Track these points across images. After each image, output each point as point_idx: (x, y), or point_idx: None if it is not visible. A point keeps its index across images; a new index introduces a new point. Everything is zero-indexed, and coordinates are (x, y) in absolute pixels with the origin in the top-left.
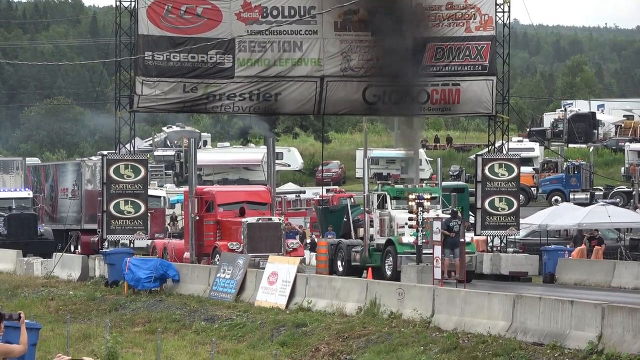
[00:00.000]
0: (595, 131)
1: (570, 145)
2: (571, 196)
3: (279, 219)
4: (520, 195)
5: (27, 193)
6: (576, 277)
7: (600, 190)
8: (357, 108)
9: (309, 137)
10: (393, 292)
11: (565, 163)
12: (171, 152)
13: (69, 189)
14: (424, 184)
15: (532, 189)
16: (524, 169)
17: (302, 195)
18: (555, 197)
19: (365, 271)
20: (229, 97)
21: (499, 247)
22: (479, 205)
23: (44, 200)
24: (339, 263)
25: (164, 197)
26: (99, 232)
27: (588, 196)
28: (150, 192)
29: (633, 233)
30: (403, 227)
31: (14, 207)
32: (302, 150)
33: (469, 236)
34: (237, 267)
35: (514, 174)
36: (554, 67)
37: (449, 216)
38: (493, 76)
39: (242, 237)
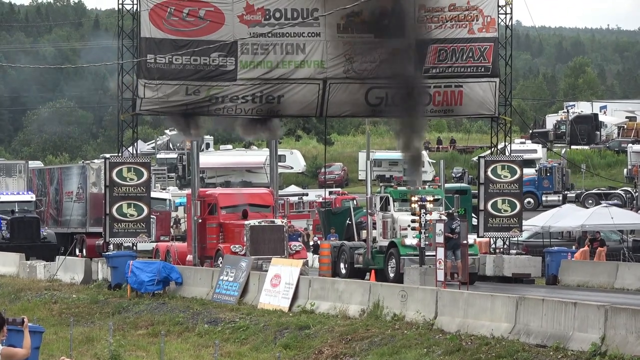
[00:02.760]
0: (598, 133)
1: (572, 147)
2: (543, 198)
3: (282, 222)
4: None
5: (30, 196)
6: (579, 278)
7: (572, 192)
8: (359, 110)
9: (311, 140)
10: (396, 294)
11: (537, 164)
12: (174, 155)
13: (74, 192)
14: (426, 186)
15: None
16: (526, 170)
17: (304, 198)
18: (528, 199)
19: (368, 273)
20: (232, 100)
21: (501, 249)
22: (481, 207)
23: (48, 204)
24: (341, 265)
25: (170, 200)
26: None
27: (560, 198)
28: (156, 194)
29: (636, 234)
30: (406, 229)
31: (16, 210)
32: (304, 153)
33: (471, 238)
34: (240, 270)
35: (517, 176)
36: (557, 68)
37: (446, 218)
38: (496, 78)
39: (245, 239)
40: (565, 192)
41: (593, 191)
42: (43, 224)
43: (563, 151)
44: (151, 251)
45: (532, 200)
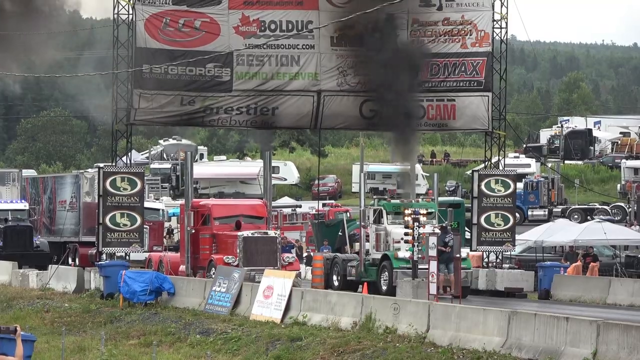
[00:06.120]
0: (592, 148)
1: (566, 162)
2: (529, 212)
3: (275, 233)
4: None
5: (23, 205)
6: (572, 293)
7: (558, 207)
8: (354, 123)
9: (305, 151)
10: (388, 307)
11: (523, 179)
12: (167, 165)
13: (67, 201)
14: (420, 199)
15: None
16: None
17: (298, 210)
18: None
19: (360, 286)
20: (226, 111)
21: (494, 263)
22: (474, 221)
23: (41, 213)
24: (334, 277)
25: (163, 210)
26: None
27: (546, 213)
28: (150, 204)
29: (629, 250)
30: (399, 242)
31: (9, 218)
32: (298, 165)
33: (464, 251)
34: (233, 281)
35: (510, 190)
36: (551, 83)
37: (439, 232)
38: (489, 92)
39: (238, 250)
40: (551, 207)
41: (578, 206)
42: (36, 233)
43: (550, 165)
44: (144, 261)
45: (517, 215)
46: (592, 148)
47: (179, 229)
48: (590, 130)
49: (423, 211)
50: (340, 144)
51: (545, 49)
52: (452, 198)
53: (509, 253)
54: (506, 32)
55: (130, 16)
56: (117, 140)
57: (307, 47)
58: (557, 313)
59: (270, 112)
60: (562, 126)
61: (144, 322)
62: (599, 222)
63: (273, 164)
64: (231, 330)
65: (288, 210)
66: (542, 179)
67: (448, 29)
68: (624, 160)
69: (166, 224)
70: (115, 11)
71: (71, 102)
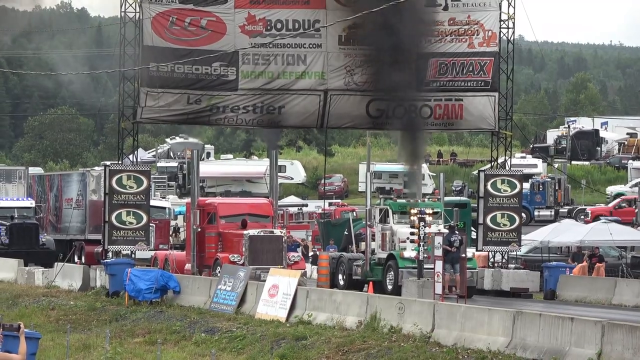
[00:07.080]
0: (599, 148)
1: (573, 162)
2: (535, 213)
3: (281, 232)
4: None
5: (30, 202)
6: (577, 294)
7: (565, 207)
8: (360, 122)
9: (312, 151)
10: (393, 307)
11: (530, 179)
12: (174, 164)
13: (74, 199)
14: (426, 199)
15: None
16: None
17: (304, 209)
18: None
19: (366, 285)
20: (233, 110)
21: (500, 263)
22: (480, 220)
23: (48, 210)
24: (340, 277)
25: (169, 209)
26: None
27: (552, 213)
28: (156, 203)
29: (635, 251)
30: (405, 241)
31: (16, 216)
32: (305, 164)
33: (470, 251)
34: (238, 280)
35: (517, 190)
36: (558, 84)
37: (447, 231)
38: (495, 92)
39: (244, 249)
40: (557, 208)
41: (584, 207)
42: (42, 231)
43: (556, 166)
44: (150, 259)
45: (524, 215)
46: (598, 149)
47: (184, 228)
48: (597, 131)
49: (429, 211)
50: (347, 143)
51: (552, 49)
52: (458, 198)
53: (514, 253)
54: (513, 32)
55: (137, 14)
56: (124, 139)
57: (314, 46)
58: (562, 313)
59: (276, 111)
60: (569, 127)
61: (149, 321)
62: (605, 222)
63: (280, 163)
64: (236, 329)
65: (294, 209)
66: (548, 179)
67: (454, 28)
68: (630, 161)
69: (172, 223)
70: (123, 9)
71: (78, 100)
